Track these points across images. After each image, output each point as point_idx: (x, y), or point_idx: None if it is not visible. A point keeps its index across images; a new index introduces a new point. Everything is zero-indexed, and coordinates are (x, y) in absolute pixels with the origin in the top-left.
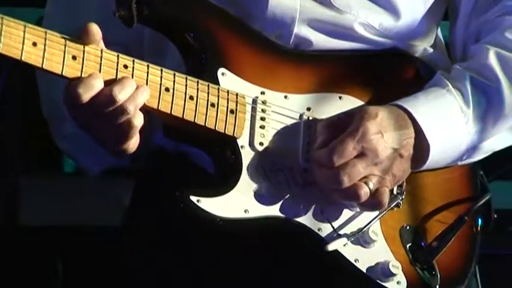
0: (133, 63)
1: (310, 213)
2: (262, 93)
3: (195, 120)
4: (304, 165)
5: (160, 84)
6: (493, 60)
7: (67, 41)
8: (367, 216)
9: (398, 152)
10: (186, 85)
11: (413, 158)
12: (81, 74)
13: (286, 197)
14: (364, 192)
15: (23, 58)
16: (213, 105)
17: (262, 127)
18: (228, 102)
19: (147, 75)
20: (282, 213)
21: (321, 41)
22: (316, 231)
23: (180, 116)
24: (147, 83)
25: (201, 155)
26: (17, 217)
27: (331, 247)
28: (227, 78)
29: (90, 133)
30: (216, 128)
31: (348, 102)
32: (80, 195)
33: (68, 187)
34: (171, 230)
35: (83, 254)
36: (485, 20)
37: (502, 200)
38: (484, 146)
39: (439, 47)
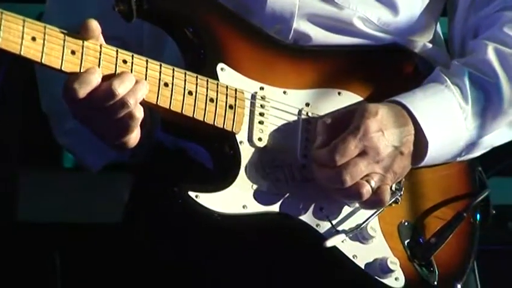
0: (133, 58)
1: (308, 209)
2: (261, 88)
3: (194, 116)
4: (303, 161)
5: (159, 79)
6: (491, 55)
7: (66, 36)
8: (366, 212)
9: (399, 149)
10: (185, 80)
11: (412, 154)
12: (80, 69)
13: (285, 193)
14: (366, 190)
15: (22, 53)
16: (212, 100)
17: (261, 122)
18: (227, 98)
19: (146, 70)
20: (280, 209)
21: (320, 36)
22: (315, 227)
23: (179, 111)
24: (146, 78)
25: (200, 150)
26: (15, 213)
27: (329, 243)
28: (226, 74)
29: (90, 128)
30: (215, 123)
31: (347, 98)
32: (79, 190)
33: (67, 182)
34: (170, 225)
35: (82, 250)
36: (484, 15)
37: (500, 195)
38: (483, 142)
39: (438, 43)
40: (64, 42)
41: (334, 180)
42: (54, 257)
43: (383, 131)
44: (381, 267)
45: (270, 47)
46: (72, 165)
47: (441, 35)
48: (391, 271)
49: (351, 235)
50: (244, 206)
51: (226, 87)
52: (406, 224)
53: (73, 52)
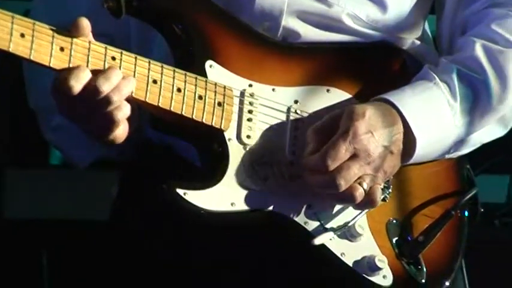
0: (121, 55)
1: (296, 206)
2: (250, 85)
3: (183, 113)
4: (291, 158)
5: (148, 76)
6: (479, 52)
7: (55, 33)
8: (354, 210)
9: (389, 149)
10: (174, 77)
11: (401, 152)
12: (68, 66)
13: (273, 190)
14: (359, 193)
15: (10, 49)
16: (200, 97)
17: (249, 120)
18: (215, 95)
19: (135, 67)
20: (268, 206)
21: (309, 33)
22: (303, 225)
23: (168, 108)
24: (134, 75)
25: (188, 147)
26: (2, 210)
27: (317, 241)
28: (215, 71)
29: (77, 124)
30: (203, 120)
31: (336, 95)
32: (66, 188)
33: (54, 180)
34: (158, 223)
35: (69, 247)
36: (472, 12)
37: (488, 193)
38: (472, 139)
39: (426, 41)
40: (53, 39)
41: (328, 185)
42: (42, 255)
43: (372, 132)
44: (369, 265)
45: (258, 44)
46: (59, 162)
47: (429, 33)
48: (379, 269)
49: (339, 233)
50: (232, 204)
51: (215, 84)
52: (394, 221)
53: (62, 49)
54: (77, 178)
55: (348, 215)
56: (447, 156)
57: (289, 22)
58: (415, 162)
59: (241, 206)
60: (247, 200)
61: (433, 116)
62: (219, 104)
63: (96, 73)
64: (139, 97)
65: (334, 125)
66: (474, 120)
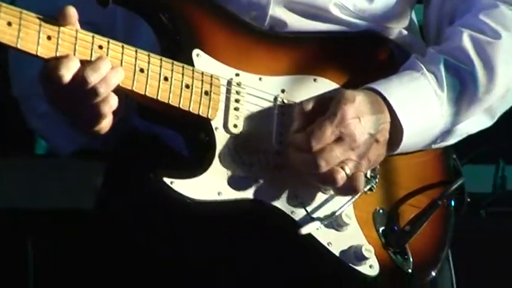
0: (109, 44)
1: (283, 196)
2: (237, 75)
3: (170, 102)
4: (278, 148)
5: (135, 65)
6: (467, 43)
7: (42, 21)
8: (341, 199)
9: (374, 137)
10: (161, 66)
11: (387, 142)
12: (55, 54)
13: (260, 179)
14: (341, 176)
15: None
16: (187, 86)
17: (236, 109)
18: (202, 84)
19: (122, 56)
20: (255, 196)
21: (296, 22)
22: (290, 214)
23: (155, 97)
24: (121, 64)
25: (175, 136)
26: None
27: (304, 230)
28: (202, 60)
29: (64, 114)
30: (190, 109)
31: (323, 85)
32: (52, 177)
33: (39, 169)
34: (144, 212)
35: (55, 237)
36: (460, 2)
37: (473, 183)
38: (458, 129)
39: (413, 30)
40: (40, 28)
41: (309, 164)
42: (27, 244)
43: (359, 117)
44: (355, 254)
45: (245, 34)
46: (45, 151)
47: (416, 22)
48: (366, 258)
49: (325, 222)
50: (219, 193)
51: (202, 73)
52: (380, 211)
53: (49, 37)
54: (63, 167)
55: (334, 204)
56: (434, 146)
57: (276, 11)
58: (401, 152)
59: (228, 195)
60: (233, 189)
61: (420, 106)
62: (206, 93)
63: (83, 62)
64: (126, 86)
65: (323, 107)
66: (461, 111)
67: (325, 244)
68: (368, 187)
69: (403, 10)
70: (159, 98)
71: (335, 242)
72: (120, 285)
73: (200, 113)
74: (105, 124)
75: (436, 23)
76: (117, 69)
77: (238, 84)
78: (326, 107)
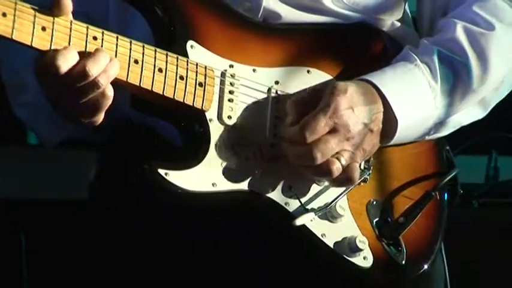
0: (103, 35)
1: (277, 187)
2: (231, 66)
3: (164, 93)
4: (272, 139)
5: (130, 56)
6: (460, 34)
7: (37, 12)
8: (335, 191)
9: (368, 127)
10: (155, 57)
11: (381, 133)
12: (50, 45)
13: (254, 171)
14: (337, 168)
15: None
16: (181, 77)
17: (230, 100)
18: (196, 75)
19: (116, 47)
20: (249, 187)
21: (289, 14)
22: (284, 205)
23: (149, 88)
24: (116, 55)
25: (169, 127)
26: None
27: (298, 222)
28: (196, 51)
29: (58, 106)
30: (185, 100)
31: (316, 76)
32: (44, 167)
33: (31, 159)
34: (138, 203)
35: (48, 227)
36: None
37: (465, 174)
38: (452, 121)
39: (406, 22)
40: (35, 18)
41: (304, 157)
42: (20, 234)
43: (353, 108)
44: (349, 246)
45: (239, 25)
46: (37, 141)
47: (409, 14)
48: (360, 250)
49: (319, 214)
50: (213, 184)
51: (196, 64)
52: (374, 203)
53: (44, 28)
54: (56, 157)
55: (328, 195)
56: (427, 137)
57: (270, 3)
58: (395, 143)
59: (222, 186)
60: (228, 180)
61: (414, 97)
62: (200, 84)
63: (81, 54)
64: (121, 77)
65: (316, 99)
66: (454, 102)
67: (319, 235)
68: (362, 178)
69: (396, 2)
70: (153, 89)
71: (329, 233)
72: (113, 276)
73: (194, 105)
74: (101, 115)
75: (429, 15)
76: (114, 60)
77: (232, 76)
78: (319, 98)
